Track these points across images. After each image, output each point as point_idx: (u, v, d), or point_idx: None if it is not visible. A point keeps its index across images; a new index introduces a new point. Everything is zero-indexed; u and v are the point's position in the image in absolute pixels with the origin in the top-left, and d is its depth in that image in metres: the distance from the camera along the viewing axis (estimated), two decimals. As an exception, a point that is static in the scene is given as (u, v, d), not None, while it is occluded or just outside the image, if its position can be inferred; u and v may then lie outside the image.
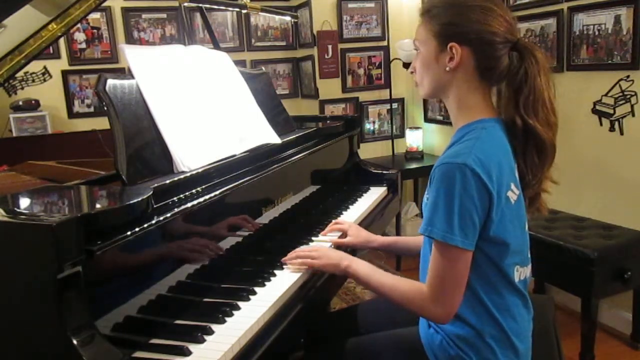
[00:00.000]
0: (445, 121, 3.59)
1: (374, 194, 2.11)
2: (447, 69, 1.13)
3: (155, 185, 1.11)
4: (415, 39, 1.20)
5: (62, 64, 3.37)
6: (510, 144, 1.13)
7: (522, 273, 1.15)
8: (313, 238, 1.60)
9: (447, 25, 1.12)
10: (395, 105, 3.85)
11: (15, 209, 1.00)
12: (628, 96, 2.29)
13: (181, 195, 1.19)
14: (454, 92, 1.16)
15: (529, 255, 1.19)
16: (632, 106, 2.28)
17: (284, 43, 3.96)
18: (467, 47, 1.10)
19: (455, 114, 1.19)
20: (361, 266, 1.27)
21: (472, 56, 1.11)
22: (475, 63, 1.12)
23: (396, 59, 3.53)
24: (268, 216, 1.56)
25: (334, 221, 1.68)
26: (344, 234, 1.60)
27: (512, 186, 1.10)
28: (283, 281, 1.29)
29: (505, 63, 1.11)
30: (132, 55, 1.35)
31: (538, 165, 1.14)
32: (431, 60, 1.15)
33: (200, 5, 2.24)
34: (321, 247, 1.43)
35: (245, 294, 1.21)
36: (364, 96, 3.82)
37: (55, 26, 1.64)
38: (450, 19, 1.12)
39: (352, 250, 1.60)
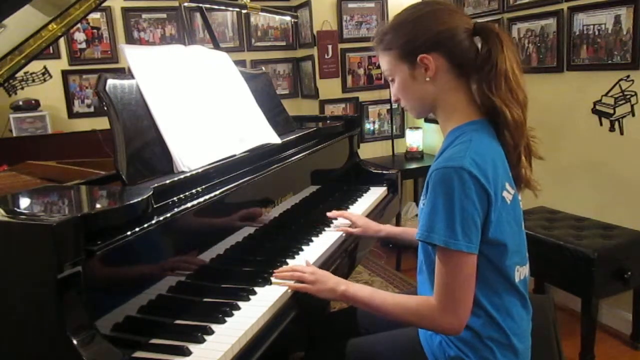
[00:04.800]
0: (445, 121, 3.59)
1: (374, 194, 2.11)
2: (427, 79, 1.13)
3: (155, 185, 1.11)
4: (385, 71, 1.21)
5: (62, 64, 3.37)
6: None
7: (521, 273, 1.15)
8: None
9: (406, 43, 1.13)
10: (395, 105, 3.85)
11: (15, 209, 1.00)
12: (628, 96, 2.29)
13: (181, 195, 1.19)
14: (441, 100, 1.16)
15: (527, 255, 1.19)
16: (632, 106, 2.28)
17: (284, 43, 3.96)
18: (435, 52, 1.11)
19: (444, 119, 1.19)
20: (359, 289, 1.22)
21: (442, 58, 1.12)
22: (448, 63, 1.12)
23: (396, 59, 3.52)
24: (268, 216, 1.56)
25: (342, 212, 1.73)
26: (353, 225, 1.66)
27: (507, 186, 1.10)
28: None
29: (473, 50, 1.12)
30: (132, 55, 1.35)
31: (511, 144, 1.11)
32: (409, 81, 1.16)
33: (200, 5, 2.24)
34: (316, 270, 1.30)
35: (245, 294, 1.21)
36: (364, 96, 3.82)
37: (55, 26, 1.64)
38: (406, 37, 1.13)
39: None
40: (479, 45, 1.12)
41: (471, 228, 1.02)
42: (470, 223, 1.02)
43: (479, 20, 2.62)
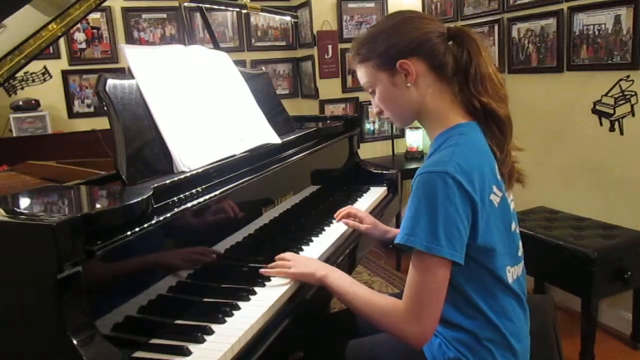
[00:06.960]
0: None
1: (374, 194, 2.11)
2: (409, 85, 1.13)
3: (155, 185, 1.11)
4: (365, 83, 1.22)
5: (62, 64, 3.37)
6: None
7: (513, 273, 1.15)
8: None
9: (384, 52, 1.14)
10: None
11: (15, 209, 0.99)
12: (628, 96, 2.29)
13: (181, 195, 1.19)
14: (424, 105, 1.16)
15: (520, 254, 1.19)
16: (632, 106, 2.28)
17: (284, 43, 3.96)
18: (413, 57, 1.12)
19: (430, 125, 1.18)
20: (338, 277, 1.21)
21: (421, 62, 1.13)
22: (427, 66, 1.13)
23: (396, 59, 3.52)
24: (268, 216, 1.56)
25: (349, 207, 1.69)
26: (360, 221, 1.64)
27: (495, 189, 1.09)
28: (283, 281, 1.29)
29: (451, 54, 1.14)
30: (132, 55, 1.35)
31: (501, 140, 1.13)
32: (390, 89, 1.16)
33: (200, 5, 2.25)
34: (299, 256, 1.32)
35: (245, 294, 1.21)
36: (364, 96, 3.82)
37: (55, 26, 1.64)
38: (383, 46, 1.15)
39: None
40: (454, 49, 1.14)
41: (454, 234, 1.01)
42: (453, 229, 1.01)
43: (479, 20, 2.64)
